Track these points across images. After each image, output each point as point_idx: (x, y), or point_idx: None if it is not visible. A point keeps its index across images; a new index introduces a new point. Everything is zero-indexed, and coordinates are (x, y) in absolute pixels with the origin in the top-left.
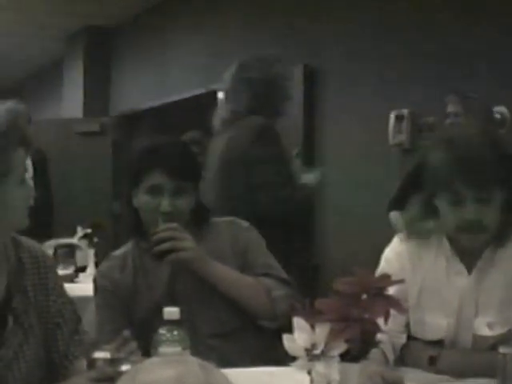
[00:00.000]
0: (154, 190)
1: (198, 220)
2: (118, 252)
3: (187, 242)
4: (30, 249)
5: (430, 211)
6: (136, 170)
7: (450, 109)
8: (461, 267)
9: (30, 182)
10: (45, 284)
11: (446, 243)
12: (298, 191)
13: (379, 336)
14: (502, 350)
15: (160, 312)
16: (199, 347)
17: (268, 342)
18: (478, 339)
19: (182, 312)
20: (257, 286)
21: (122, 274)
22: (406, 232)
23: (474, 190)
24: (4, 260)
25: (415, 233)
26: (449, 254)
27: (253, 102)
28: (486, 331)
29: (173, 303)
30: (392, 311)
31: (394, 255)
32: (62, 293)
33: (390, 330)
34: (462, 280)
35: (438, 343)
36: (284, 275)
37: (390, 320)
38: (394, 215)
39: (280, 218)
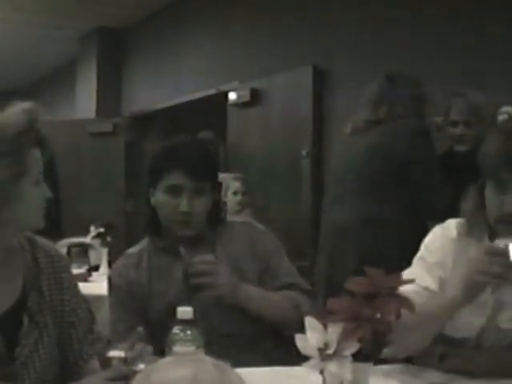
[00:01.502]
0: (173, 190)
1: (214, 220)
2: (133, 250)
3: (222, 276)
4: (45, 248)
5: (482, 202)
6: (155, 169)
7: (455, 116)
8: None
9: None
10: (60, 284)
11: (485, 239)
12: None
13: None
14: None
15: (175, 311)
16: (214, 347)
17: (283, 342)
18: (500, 332)
19: (197, 311)
20: (286, 303)
21: (137, 272)
22: (466, 223)
23: None
24: (20, 260)
25: (474, 224)
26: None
27: (406, 110)
28: (508, 325)
29: (188, 303)
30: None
31: (438, 246)
32: (77, 292)
33: None
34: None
35: (448, 342)
36: (306, 286)
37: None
38: None
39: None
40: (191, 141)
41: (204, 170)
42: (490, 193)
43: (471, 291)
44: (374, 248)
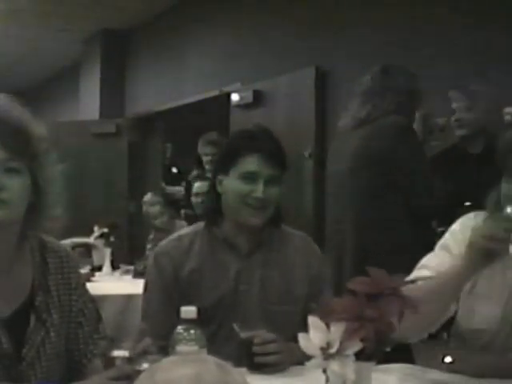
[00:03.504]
0: (249, 176)
1: (273, 222)
2: (186, 232)
3: (285, 355)
4: (54, 249)
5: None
6: (231, 155)
7: (454, 105)
8: None
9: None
10: (68, 284)
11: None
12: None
13: None
14: None
15: (220, 307)
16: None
17: None
18: None
19: (239, 312)
20: None
21: (187, 256)
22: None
23: None
24: (29, 260)
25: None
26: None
27: (393, 104)
28: None
29: (235, 302)
30: None
31: (462, 238)
32: (84, 292)
33: None
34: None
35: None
36: None
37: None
38: None
39: (430, 213)
40: (266, 130)
41: (279, 159)
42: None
43: (477, 258)
44: (370, 249)
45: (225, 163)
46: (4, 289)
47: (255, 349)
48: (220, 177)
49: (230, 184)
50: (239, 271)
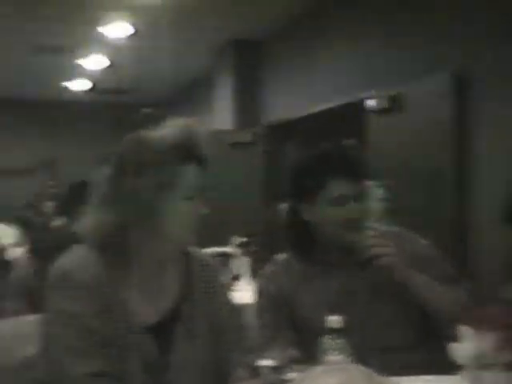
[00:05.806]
0: (341, 200)
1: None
2: (281, 256)
3: (392, 248)
4: (199, 258)
5: None
6: (316, 181)
7: None
8: None
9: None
10: (212, 293)
11: None
12: None
13: None
14: None
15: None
16: (368, 360)
17: (437, 356)
18: None
19: (351, 324)
20: (449, 293)
21: (287, 278)
22: None
23: None
24: (174, 271)
25: None
26: None
27: None
28: None
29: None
30: None
31: None
32: (228, 301)
33: None
34: None
35: None
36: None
37: None
38: None
39: None
40: (339, 147)
41: (362, 176)
42: None
43: None
44: None
45: (309, 190)
46: (152, 296)
47: (358, 245)
48: (305, 205)
49: (322, 212)
50: (342, 285)
